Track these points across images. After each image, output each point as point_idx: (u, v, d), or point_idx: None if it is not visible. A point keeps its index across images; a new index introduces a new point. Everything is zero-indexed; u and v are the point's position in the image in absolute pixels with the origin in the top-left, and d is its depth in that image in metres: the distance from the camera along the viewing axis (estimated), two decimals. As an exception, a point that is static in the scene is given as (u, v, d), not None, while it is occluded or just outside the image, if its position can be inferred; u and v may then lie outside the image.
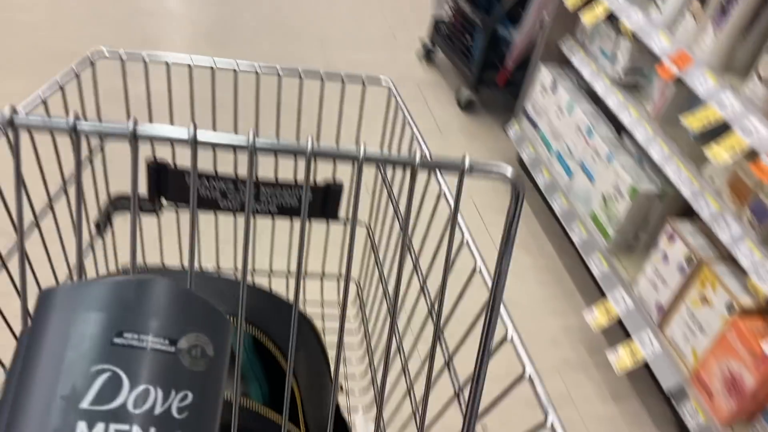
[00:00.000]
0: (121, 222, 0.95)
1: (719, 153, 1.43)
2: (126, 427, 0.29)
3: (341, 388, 1.08)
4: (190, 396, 0.31)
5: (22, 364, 0.30)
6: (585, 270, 2.08)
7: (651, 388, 1.77)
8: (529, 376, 0.50)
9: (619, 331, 1.87)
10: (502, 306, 0.53)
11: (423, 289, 0.74)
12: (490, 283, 0.57)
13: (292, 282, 1.07)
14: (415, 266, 0.77)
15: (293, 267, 1.06)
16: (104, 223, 0.84)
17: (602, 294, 1.83)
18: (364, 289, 1.09)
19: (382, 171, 0.89)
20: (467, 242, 0.60)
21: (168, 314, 0.32)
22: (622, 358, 1.66)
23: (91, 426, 0.29)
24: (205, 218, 0.96)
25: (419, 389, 0.75)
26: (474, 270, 0.60)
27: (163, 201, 0.78)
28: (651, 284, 1.68)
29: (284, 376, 0.61)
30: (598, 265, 1.84)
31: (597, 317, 1.74)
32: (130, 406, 0.29)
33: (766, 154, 1.35)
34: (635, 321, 1.69)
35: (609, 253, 1.83)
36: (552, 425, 0.48)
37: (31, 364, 0.30)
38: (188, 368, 0.32)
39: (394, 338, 0.54)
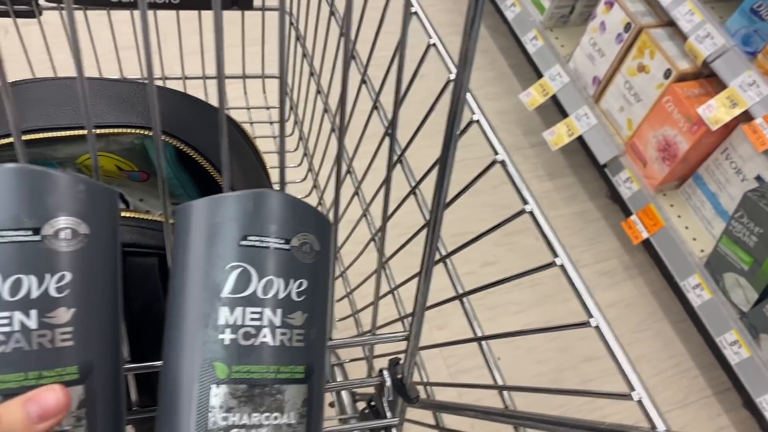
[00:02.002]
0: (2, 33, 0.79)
1: None
2: (258, 309, 0.35)
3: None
4: (305, 283, 0.37)
5: (174, 263, 0.37)
6: (519, 50, 2.01)
7: (586, 162, 1.81)
8: (478, 121, 0.45)
9: (554, 112, 1.86)
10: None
11: (364, 78, 0.66)
12: (451, 66, 0.49)
13: (211, 87, 0.95)
14: (352, 55, 0.67)
15: (209, 70, 0.93)
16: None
17: (538, 74, 1.77)
18: (293, 87, 0.99)
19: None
20: (418, 14, 0.51)
21: (281, 219, 0.37)
22: (557, 135, 1.65)
23: (231, 310, 0.35)
24: (98, 19, 0.81)
25: (369, 189, 0.69)
26: (427, 49, 0.51)
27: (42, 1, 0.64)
28: (587, 57, 1.63)
29: (218, 189, 0.53)
30: (533, 42, 1.76)
31: (532, 96, 1.71)
32: (259, 293, 0.36)
33: None
34: (571, 97, 1.66)
35: (544, 28, 1.75)
36: (504, 162, 0.45)
37: (180, 264, 0.36)
38: (300, 261, 0.37)
39: (339, 141, 0.47)
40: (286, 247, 0.37)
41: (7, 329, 0.32)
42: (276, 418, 0.35)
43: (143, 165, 0.52)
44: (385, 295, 0.59)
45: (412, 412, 0.59)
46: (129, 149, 0.50)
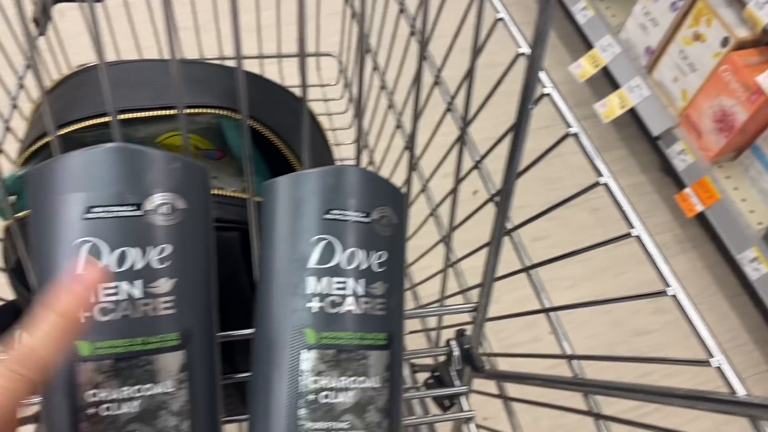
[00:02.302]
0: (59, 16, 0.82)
1: None
2: (343, 279, 0.37)
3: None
4: (385, 255, 0.39)
5: (263, 237, 0.39)
6: (569, 21, 1.97)
7: (638, 134, 1.77)
8: (549, 95, 0.46)
9: (605, 84, 1.83)
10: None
11: (425, 55, 0.66)
12: (520, 40, 0.49)
13: (267, 66, 0.97)
14: (412, 31, 0.68)
15: (265, 49, 0.95)
16: (44, 19, 0.71)
17: (588, 46, 1.74)
18: (347, 66, 1.00)
19: None
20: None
21: (361, 193, 0.38)
22: (608, 107, 1.63)
23: (318, 280, 0.37)
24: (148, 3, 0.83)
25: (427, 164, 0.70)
26: (495, 24, 0.51)
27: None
28: (640, 27, 1.59)
29: (289, 167, 0.55)
30: (582, 13, 1.72)
31: (583, 68, 1.68)
32: (343, 264, 0.37)
33: None
34: (623, 68, 1.63)
35: (594, -1, 1.71)
36: (578, 134, 0.45)
37: (268, 238, 0.39)
38: (380, 234, 0.39)
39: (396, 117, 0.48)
40: (366, 220, 0.38)
41: (115, 298, 0.34)
42: (362, 381, 0.37)
43: (219, 143, 0.54)
44: (452, 264, 0.60)
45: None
46: (206, 128, 0.52)
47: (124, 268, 0.34)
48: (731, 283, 1.56)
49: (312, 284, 0.37)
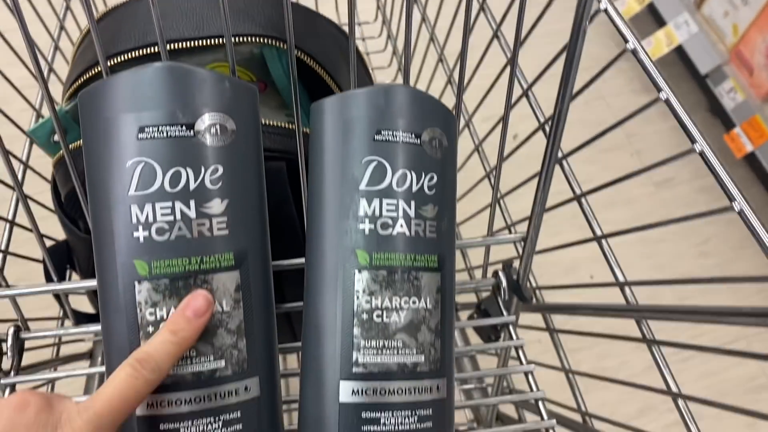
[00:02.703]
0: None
1: None
2: (393, 201, 0.37)
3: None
4: (435, 177, 0.38)
5: (312, 159, 0.39)
6: (610, -44, 1.89)
7: (684, 74, 1.71)
8: (606, 10, 0.44)
9: (650, 21, 1.76)
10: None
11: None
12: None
13: None
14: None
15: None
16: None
17: (632, -20, 1.67)
18: (386, 2, 0.97)
19: None
20: None
21: (411, 114, 0.38)
22: (654, 45, 1.57)
23: (369, 202, 0.37)
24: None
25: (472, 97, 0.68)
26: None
27: None
28: (689, -41, 1.52)
29: (330, 94, 0.54)
30: (627, -53, 1.65)
31: (627, 4, 1.61)
32: (394, 186, 0.37)
33: None
34: (669, 3, 1.56)
35: (640, -69, 1.63)
36: (635, 51, 0.43)
37: (318, 160, 0.38)
38: (430, 155, 0.38)
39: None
40: (416, 141, 0.38)
41: (170, 218, 0.35)
42: (414, 302, 0.37)
43: (261, 74, 0.53)
44: (502, 197, 0.59)
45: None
46: (248, 59, 0.51)
47: (178, 188, 0.35)
48: (781, 225, 1.52)
49: (364, 206, 0.37)
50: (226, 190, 0.36)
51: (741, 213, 0.38)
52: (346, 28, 0.60)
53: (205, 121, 0.35)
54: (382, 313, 0.36)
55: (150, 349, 0.33)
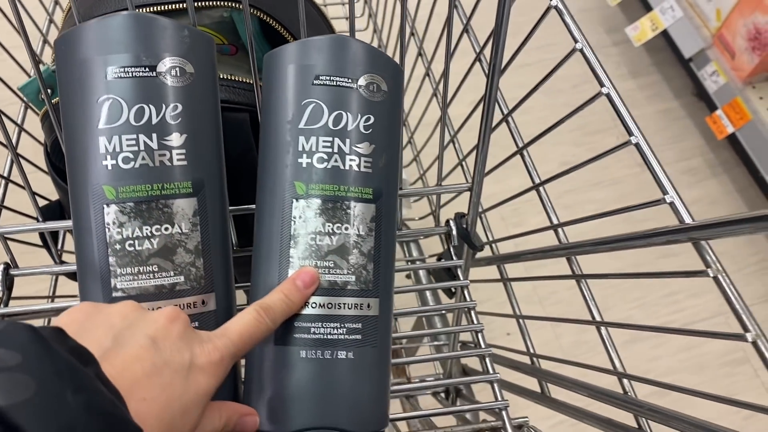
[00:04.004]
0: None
1: None
2: (329, 138, 0.42)
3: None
4: (373, 118, 0.43)
5: (263, 106, 0.45)
6: (603, -56, 1.93)
7: (671, 59, 1.75)
8: (556, 7, 0.48)
9: (638, 7, 1.79)
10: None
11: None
12: None
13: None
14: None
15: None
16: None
17: (621, -34, 1.70)
18: (368, -18, 1.02)
19: None
20: None
21: (349, 61, 0.43)
22: (640, 30, 1.61)
23: (307, 139, 0.42)
24: None
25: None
26: None
27: None
28: (675, -54, 1.55)
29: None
30: (617, -66, 1.68)
31: (616, -8, 1.65)
32: (330, 125, 0.42)
33: None
34: (656, -10, 1.60)
35: None
36: (582, 50, 0.47)
37: (266, 105, 0.44)
38: (367, 98, 0.43)
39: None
40: (353, 86, 0.43)
41: (134, 148, 0.40)
42: (346, 228, 0.42)
43: (232, 38, 0.58)
44: (446, 145, 0.64)
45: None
46: (219, 23, 0.57)
47: (142, 122, 0.40)
48: (762, 205, 1.56)
49: (302, 142, 0.42)
50: (184, 125, 0.41)
51: (672, 204, 0.41)
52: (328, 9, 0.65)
53: (166, 63, 0.40)
54: (316, 237, 0.42)
55: (270, 302, 0.39)
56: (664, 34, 1.59)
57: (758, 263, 1.52)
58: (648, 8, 1.63)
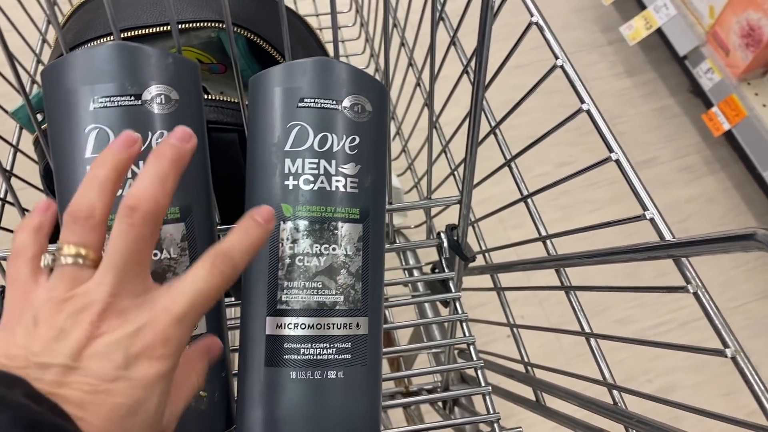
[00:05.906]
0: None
1: None
2: (315, 160, 0.42)
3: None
4: (358, 139, 0.43)
5: (249, 128, 0.45)
6: (596, -58, 1.93)
7: (666, 57, 1.75)
8: (537, 24, 0.48)
9: (633, 6, 1.79)
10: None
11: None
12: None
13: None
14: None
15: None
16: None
17: (614, -35, 1.71)
18: (358, -9, 1.03)
19: None
20: None
21: (333, 83, 0.43)
22: (634, 29, 1.61)
23: (293, 161, 0.42)
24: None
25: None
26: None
27: None
28: (667, -56, 1.55)
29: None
30: (609, -67, 1.69)
31: (609, -9, 1.65)
32: (316, 147, 0.42)
33: None
34: (650, -12, 1.60)
35: None
36: (563, 67, 0.47)
37: (253, 128, 0.44)
38: (352, 120, 0.43)
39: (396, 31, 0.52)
40: (337, 107, 0.43)
41: (129, 174, 0.40)
42: (334, 249, 0.43)
43: (221, 57, 0.59)
44: (437, 158, 0.64)
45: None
46: (207, 43, 0.57)
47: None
48: (759, 201, 1.56)
49: (288, 165, 0.42)
50: None
51: (652, 221, 0.41)
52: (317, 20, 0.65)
53: (152, 92, 0.41)
54: (304, 258, 0.42)
55: (226, 246, 0.35)
56: (659, 32, 1.59)
57: (758, 259, 1.52)
58: (642, 7, 1.63)
